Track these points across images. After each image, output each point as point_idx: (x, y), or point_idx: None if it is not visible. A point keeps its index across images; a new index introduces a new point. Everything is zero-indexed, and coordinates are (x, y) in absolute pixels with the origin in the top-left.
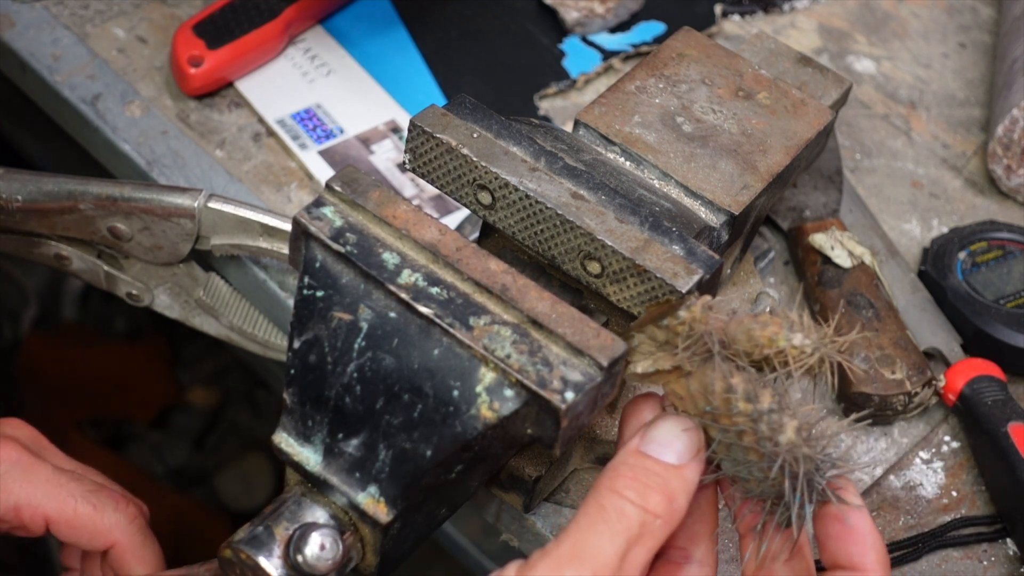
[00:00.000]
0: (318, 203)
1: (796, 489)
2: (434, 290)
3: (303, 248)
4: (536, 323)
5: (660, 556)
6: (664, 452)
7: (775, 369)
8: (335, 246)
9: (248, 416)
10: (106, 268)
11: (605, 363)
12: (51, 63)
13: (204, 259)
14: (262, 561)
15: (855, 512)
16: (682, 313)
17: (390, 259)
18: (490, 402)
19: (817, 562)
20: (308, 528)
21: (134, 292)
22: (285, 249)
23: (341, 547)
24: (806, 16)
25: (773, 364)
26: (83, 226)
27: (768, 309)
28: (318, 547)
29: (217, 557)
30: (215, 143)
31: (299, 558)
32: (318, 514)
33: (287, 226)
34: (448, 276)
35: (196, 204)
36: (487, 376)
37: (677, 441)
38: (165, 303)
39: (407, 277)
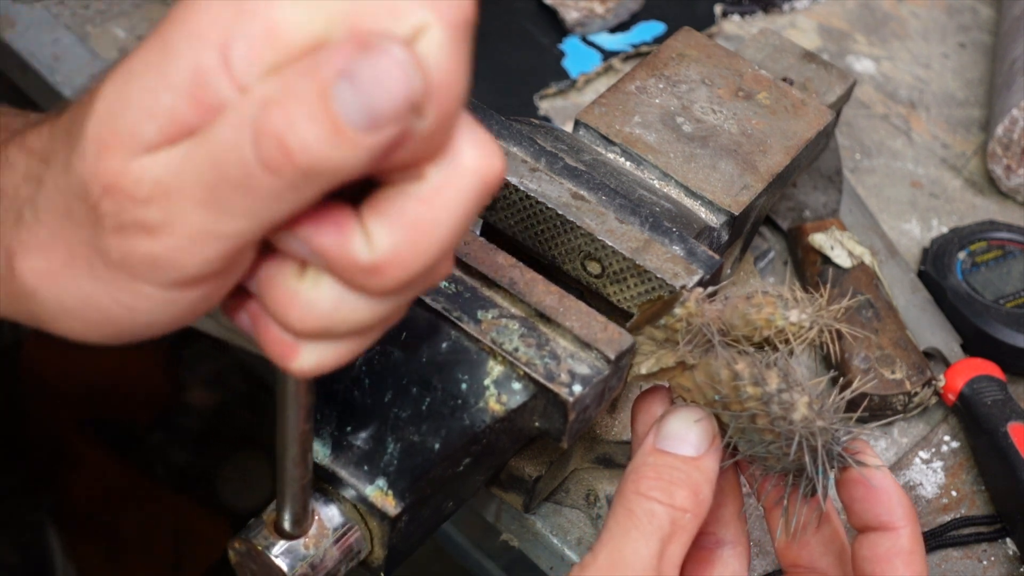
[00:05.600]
0: None
1: (816, 461)
2: (442, 284)
3: None
4: (544, 317)
5: (692, 544)
6: (680, 446)
7: (776, 348)
8: None
9: (248, 416)
10: None
11: (612, 356)
12: (51, 63)
13: None
14: (261, 545)
15: (877, 473)
16: (678, 310)
17: None
18: (498, 395)
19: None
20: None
21: None
22: None
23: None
24: (806, 16)
25: (774, 343)
26: None
27: (759, 289)
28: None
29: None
30: None
31: (284, 532)
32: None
33: None
34: (456, 270)
35: None
36: (495, 369)
37: (691, 433)
38: None
39: None
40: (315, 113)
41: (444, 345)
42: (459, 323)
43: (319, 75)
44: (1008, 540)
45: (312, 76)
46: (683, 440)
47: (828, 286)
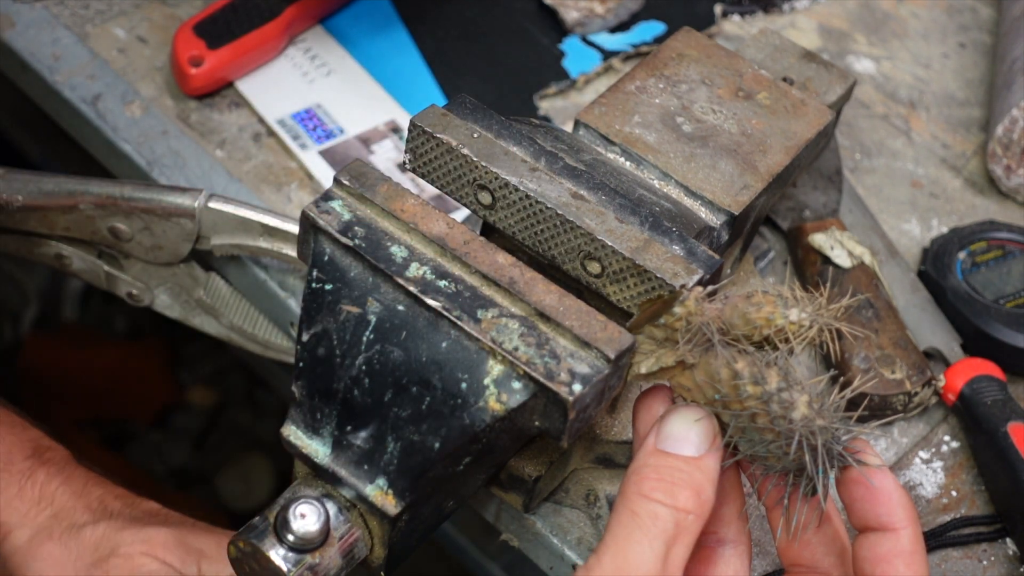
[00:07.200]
0: (327, 196)
1: (816, 461)
2: (442, 283)
3: (312, 241)
4: (544, 316)
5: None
6: (682, 446)
7: (776, 347)
8: (343, 240)
9: (248, 416)
10: (106, 268)
11: (612, 356)
12: (51, 63)
13: (204, 259)
14: (264, 547)
15: (877, 473)
16: (677, 309)
17: (398, 252)
18: (498, 394)
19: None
20: (287, 504)
21: (134, 292)
22: (285, 249)
23: (322, 509)
24: (806, 16)
25: (774, 342)
26: (83, 226)
27: (759, 288)
28: (299, 516)
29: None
30: (215, 143)
31: (288, 536)
32: (319, 502)
33: (287, 226)
34: (456, 269)
35: (196, 204)
36: (495, 368)
37: (692, 433)
38: (165, 303)
39: (415, 270)
40: None
41: (444, 344)
42: (459, 322)
43: None
44: (1008, 540)
45: None
46: (684, 440)
47: (828, 286)
